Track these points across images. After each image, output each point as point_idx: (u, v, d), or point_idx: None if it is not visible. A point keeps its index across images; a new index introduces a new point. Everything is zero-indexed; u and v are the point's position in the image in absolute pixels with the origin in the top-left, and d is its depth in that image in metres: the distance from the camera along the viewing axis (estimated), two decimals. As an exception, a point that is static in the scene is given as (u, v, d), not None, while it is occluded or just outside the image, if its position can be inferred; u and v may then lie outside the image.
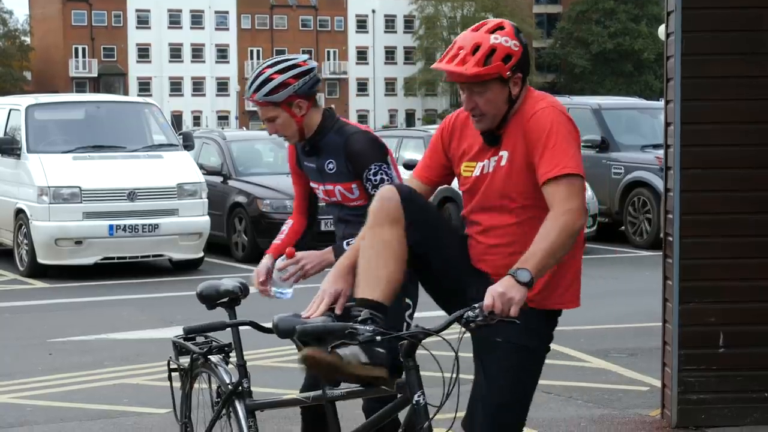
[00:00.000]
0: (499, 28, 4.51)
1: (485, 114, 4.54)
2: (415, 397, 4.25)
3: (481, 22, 4.60)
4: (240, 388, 5.23)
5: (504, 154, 4.58)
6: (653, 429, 7.55)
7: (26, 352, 10.79)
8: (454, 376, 4.15)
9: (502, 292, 4.11)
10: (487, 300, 4.12)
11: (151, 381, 9.41)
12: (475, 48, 4.45)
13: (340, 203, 5.61)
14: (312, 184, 5.74)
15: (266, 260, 5.74)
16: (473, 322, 4.15)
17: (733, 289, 7.35)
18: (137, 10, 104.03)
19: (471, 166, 4.65)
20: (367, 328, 4.18)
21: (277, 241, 5.86)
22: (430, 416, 4.26)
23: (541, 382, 8.85)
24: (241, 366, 5.27)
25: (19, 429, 7.94)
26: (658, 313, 7.83)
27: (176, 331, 11.03)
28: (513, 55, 4.48)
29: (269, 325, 4.72)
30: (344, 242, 5.38)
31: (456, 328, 4.25)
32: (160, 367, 9.75)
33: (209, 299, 5.41)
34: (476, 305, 4.14)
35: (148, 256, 16.05)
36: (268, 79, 5.47)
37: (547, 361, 9.51)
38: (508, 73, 4.48)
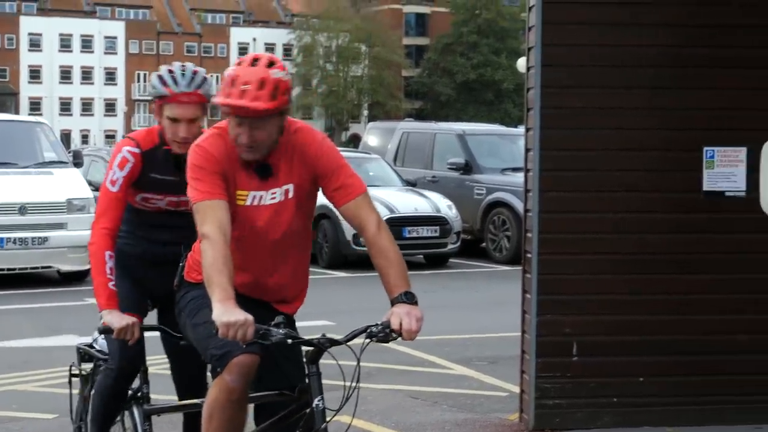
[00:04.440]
0: (272, 63, 4.44)
1: (261, 146, 4.49)
2: (315, 402, 4.31)
3: (252, 55, 4.48)
4: (140, 393, 5.17)
5: (290, 187, 4.59)
6: (512, 432, 7.60)
7: None
8: (354, 383, 4.25)
9: (408, 312, 4.29)
10: (395, 321, 4.27)
11: (39, 387, 9.21)
12: (261, 83, 4.37)
13: (182, 211, 5.40)
14: (147, 195, 5.42)
15: (127, 318, 5.08)
16: (376, 336, 4.28)
17: (587, 303, 7.43)
18: (30, 34, 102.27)
19: (243, 195, 4.58)
20: (280, 331, 4.20)
21: (111, 287, 5.16)
22: (327, 420, 4.30)
23: (408, 388, 8.96)
24: (143, 372, 5.20)
25: None
26: (517, 323, 7.87)
27: (63, 340, 10.95)
28: (290, 86, 4.47)
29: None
30: None
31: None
32: (48, 374, 9.58)
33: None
34: (379, 322, 4.29)
35: (37, 268, 15.76)
36: (205, 77, 5.33)
37: (413, 368, 9.60)
38: (288, 105, 4.47)
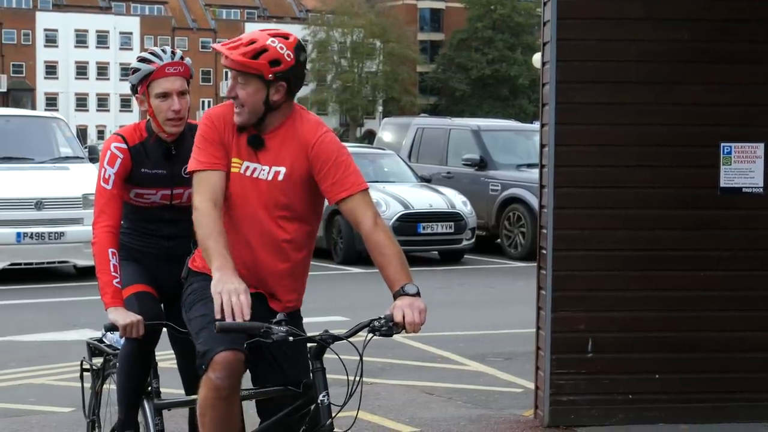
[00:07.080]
0: (284, 37, 4.56)
1: (244, 106, 4.56)
2: (320, 397, 4.30)
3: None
4: (150, 388, 5.17)
5: (281, 169, 4.61)
6: (527, 428, 7.57)
7: (-65, 353, 10.52)
8: (358, 378, 4.23)
9: (410, 304, 4.27)
10: (397, 315, 4.25)
11: (56, 381, 9.24)
12: (251, 42, 4.51)
13: (179, 206, 5.36)
14: (139, 190, 5.34)
15: (131, 315, 5.07)
16: (379, 331, 4.25)
17: (601, 299, 7.41)
18: (45, 30, 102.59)
19: (237, 162, 4.64)
20: (281, 328, 4.17)
21: (116, 284, 5.12)
22: (333, 415, 4.29)
23: (423, 383, 8.96)
24: (153, 367, 5.21)
25: (-74, 427, 7.73)
26: (532, 320, 7.86)
27: (79, 334, 10.97)
28: (282, 62, 4.52)
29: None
30: None
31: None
32: (64, 368, 9.59)
33: None
34: (382, 316, 4.26)
35: (54, 262, 15.79)
36: (182, 56, 5.35)
37: (428, 364, 9.59)
38: (271, 75, 4.51)
